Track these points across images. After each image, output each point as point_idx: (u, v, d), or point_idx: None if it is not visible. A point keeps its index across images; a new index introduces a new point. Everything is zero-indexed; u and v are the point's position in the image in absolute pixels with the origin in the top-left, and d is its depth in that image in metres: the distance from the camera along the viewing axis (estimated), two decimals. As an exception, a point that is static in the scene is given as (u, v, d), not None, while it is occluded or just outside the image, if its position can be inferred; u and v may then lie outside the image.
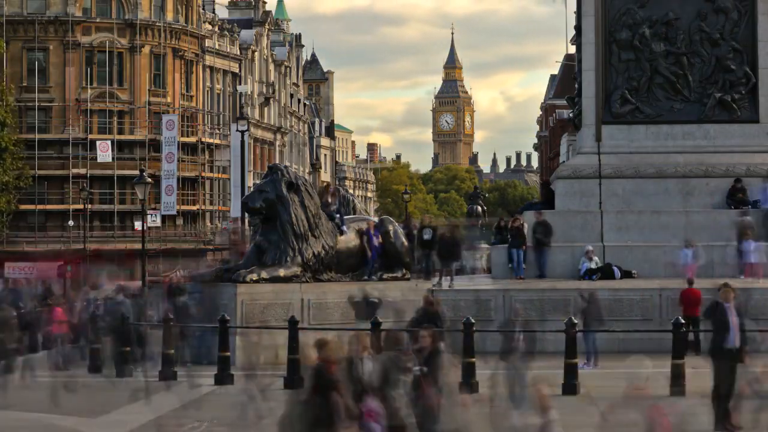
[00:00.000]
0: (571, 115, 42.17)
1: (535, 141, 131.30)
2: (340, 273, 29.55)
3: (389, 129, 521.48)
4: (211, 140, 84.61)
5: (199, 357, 26.94)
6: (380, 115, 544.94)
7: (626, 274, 32.99)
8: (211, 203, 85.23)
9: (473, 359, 22.89)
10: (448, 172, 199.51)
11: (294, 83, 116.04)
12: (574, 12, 42.24)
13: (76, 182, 74.97)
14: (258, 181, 37.37)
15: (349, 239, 29.90)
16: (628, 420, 13.30)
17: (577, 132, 40.81)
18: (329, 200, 30.73)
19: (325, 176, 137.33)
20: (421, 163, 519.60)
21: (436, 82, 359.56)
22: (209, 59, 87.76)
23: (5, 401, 23.03)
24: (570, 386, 22.29)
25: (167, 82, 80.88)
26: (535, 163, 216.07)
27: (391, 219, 32.15)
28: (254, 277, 27.92)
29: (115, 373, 26.81)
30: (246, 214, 36.05)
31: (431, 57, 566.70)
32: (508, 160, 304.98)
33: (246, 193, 43.82)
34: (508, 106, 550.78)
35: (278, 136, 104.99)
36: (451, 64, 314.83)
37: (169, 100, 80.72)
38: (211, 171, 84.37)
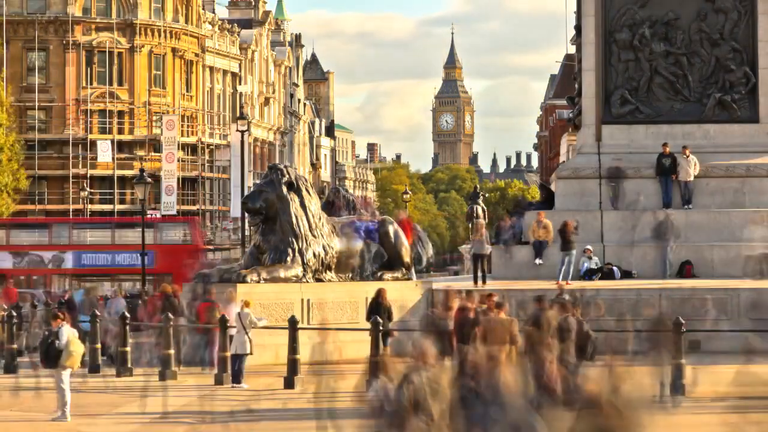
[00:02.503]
0: (571, 115, 42.14)
1: (535, 141, 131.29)
2: (341, 273, 29.51)
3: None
4: (211, 140, 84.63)
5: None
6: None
7: (626, 274, 32.95)
8: (211, 203, 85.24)
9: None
10: (449, 172, 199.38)
11: (294, 83, 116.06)
12: (574, 12, 42.22)
13: (76, 182, 75.02)
14: (258, 181, 37.31)
15: (349, 239, 29.85)
16: None
17: (577, 132, 40.78)
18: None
19: (325, 176, 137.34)
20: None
21: (436, 82, 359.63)
22: (209, 59, 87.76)
23: None
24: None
25: (167, 82, 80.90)
26: (535, 163, 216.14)
27: (392, 219, 32.06)
28: (254, 277, 27.86)
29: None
30: (246, 214, 35.98)
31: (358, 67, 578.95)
32: (508, 160, 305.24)
33: (246, 193, 43.72)
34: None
35: (278, 136, 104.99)
36: (451, 64, 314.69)
37: (169, 100, 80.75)
38: (211, 171, 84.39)
